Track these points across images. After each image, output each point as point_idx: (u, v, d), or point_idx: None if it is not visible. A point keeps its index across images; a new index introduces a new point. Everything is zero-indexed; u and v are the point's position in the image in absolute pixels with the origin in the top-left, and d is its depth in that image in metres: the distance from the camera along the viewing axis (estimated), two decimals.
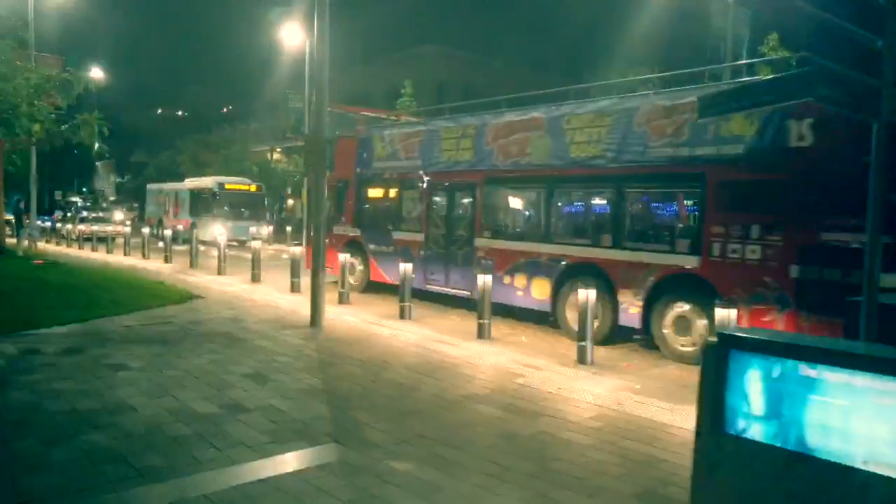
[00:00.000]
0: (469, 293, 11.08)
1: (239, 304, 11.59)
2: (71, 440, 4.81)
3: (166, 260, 19.06)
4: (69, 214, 40.05)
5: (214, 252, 21.80)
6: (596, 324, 8.73)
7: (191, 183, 33.88)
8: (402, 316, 10.57)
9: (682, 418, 5.64)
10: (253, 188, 31.41)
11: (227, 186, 30.31)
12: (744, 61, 16.92)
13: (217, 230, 27.71)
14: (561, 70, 45.28)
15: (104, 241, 24.01)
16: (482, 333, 9.20)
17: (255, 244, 15.43)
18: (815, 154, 7.18)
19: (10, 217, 24.64)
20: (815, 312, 6.95)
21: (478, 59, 54.16)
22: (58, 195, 56.78)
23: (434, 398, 6.18)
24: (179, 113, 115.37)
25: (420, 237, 12.39)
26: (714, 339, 2.96)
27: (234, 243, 26.89)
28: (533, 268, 10.23)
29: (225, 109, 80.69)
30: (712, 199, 8.10)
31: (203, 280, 14.87)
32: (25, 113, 16.00)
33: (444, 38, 51.54)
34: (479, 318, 9.26)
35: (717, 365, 2.92)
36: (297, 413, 5.60)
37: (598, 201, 10.19)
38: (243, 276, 15.38)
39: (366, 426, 5.32)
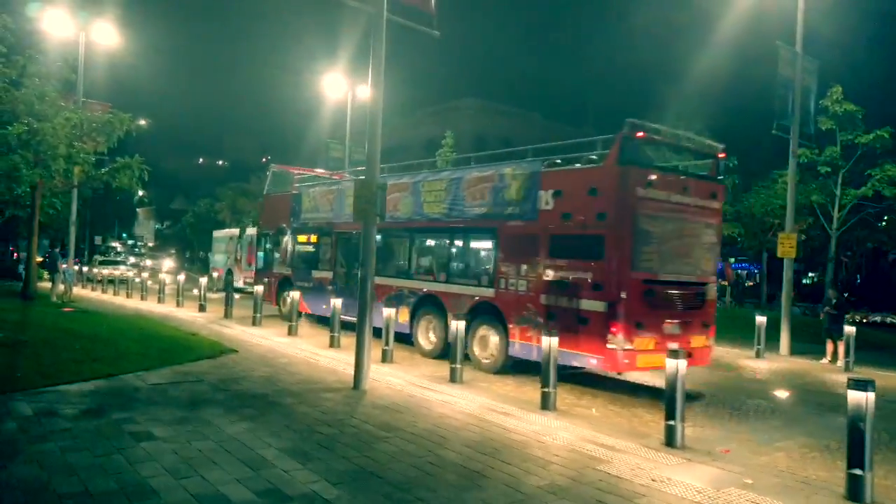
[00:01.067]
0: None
1: (275, 360, 10.76)
2: None
3: (201, 308, 18.41)
4: (105, 259, 40.20)
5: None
6: (435, 341, 12.15)
7: None
8: (452, 379, 9.64)
9: None
10: None
11: None
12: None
13: None
14: (602, 123, 44.89)
15: (140, 286, 23.63)
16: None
17: (294, 294, 14.68)
18: (552, 215, 10.00)
19: (41, 259, 24.19)
20: (556, 329, 8.74)
21: (517, 112, 54.17)
22: (98, 240, 57.36)
23: (507, 489, 5.18)
24: (220, 162, 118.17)
25: (330, 275, 15.27)
26: None
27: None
28: (400, 299, 12.84)
29: (265, 158, 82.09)
30: (501, 247, 10.92)
31: (237, 332, 14.11)
32: (63, 154, 15.56)
33: (483, 92, 51.86)
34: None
35: None
36: None
37: (439, 247, 12.98)
38: (279, 329, 14.62)
39: None
